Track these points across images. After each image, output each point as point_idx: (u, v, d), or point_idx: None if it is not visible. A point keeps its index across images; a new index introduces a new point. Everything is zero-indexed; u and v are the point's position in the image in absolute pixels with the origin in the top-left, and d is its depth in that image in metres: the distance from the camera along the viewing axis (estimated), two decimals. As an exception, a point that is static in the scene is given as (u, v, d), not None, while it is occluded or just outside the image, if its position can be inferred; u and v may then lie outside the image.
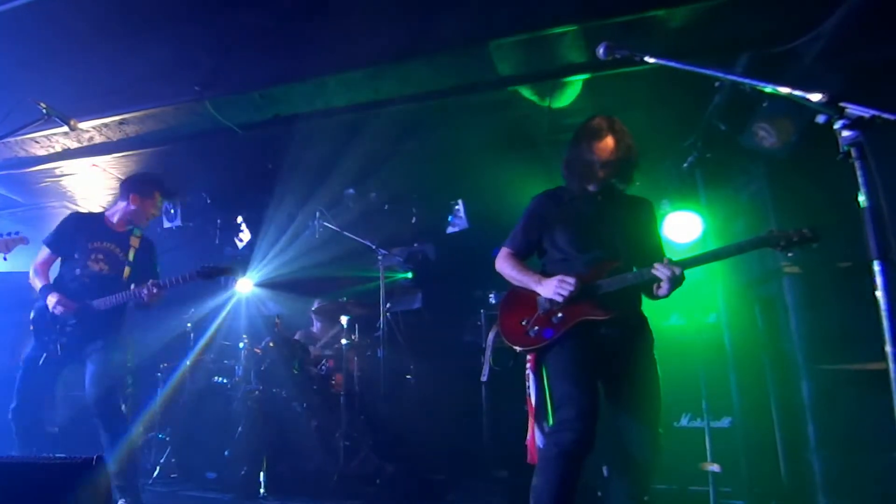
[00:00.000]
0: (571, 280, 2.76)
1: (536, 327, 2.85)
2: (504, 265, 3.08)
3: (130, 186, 4.12)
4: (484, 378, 3.10)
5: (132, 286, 3.86)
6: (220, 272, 3.95)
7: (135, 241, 4.04)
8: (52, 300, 3.75)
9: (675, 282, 2.69)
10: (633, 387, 2.81)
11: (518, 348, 2.90)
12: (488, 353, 3.06)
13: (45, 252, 3.99)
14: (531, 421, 2.92)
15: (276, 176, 5.83)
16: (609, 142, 2.82)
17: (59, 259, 4.01)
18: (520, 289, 3.00)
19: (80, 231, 3.98)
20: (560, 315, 2.81)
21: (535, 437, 2.88)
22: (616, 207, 2.99)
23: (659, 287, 2.77)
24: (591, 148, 2.85)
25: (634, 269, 2.86)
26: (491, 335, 3.05)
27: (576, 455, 2.59)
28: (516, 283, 3.02)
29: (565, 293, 2.76)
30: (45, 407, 3.92)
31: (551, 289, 2.81)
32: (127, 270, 3.94)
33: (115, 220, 4.08)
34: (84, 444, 5.56)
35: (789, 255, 2.60)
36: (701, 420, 4.30)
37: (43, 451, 3.72)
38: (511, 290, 3.07)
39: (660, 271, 2.68)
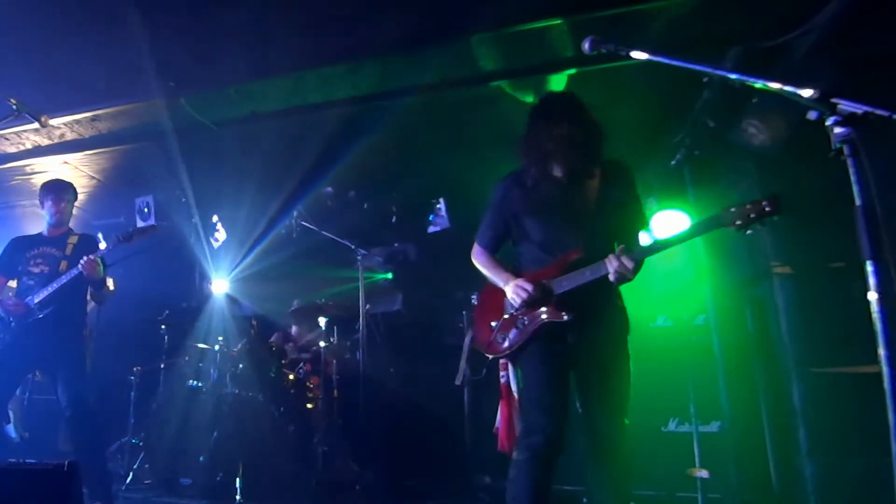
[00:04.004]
0: (528, 287, 2.66)
1: (503, 334, 2.78)
2: (478, 262, 3.01)
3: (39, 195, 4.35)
4: (458, 382, 3.04)
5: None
6: (140, 234, 4.13)
7: (73, 239, 4.17)
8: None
9: (623, 279, 2.52)
10: (600, 376, 2.70)
11: (489, 356, 2.84)
12: (464, 357, 2.99)
13: None
14: (503, 407, 2.88)
15: (253, 174, 5.76)
16: (565, 129, 2.65)
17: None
18: (492, 287, 2.92)
19: (19, 248, 4.20)
20: (525, 320, 2.72)
21: (505, 424, 2.85)
22: (584, 187, 2.78)
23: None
24: (548, 135, 2.70)
25: (595, 263, 2.63)
26: (467, 339, 2.98)
27: (547, 458, 2.55)
28: (491, 280, 2.93)
29: (520, 299, 2.68)
30: (6, 411, 3.94)
31: (511, 292, 2.74)
32: (63, 264, 4.00)
33: (48, 229, 4.26)
34: (57, 450, 5.48)
35: (748, 232, 2.42)
36: (689, 424, 4.26)
37: (13, 457, 3.69)
38: (484, 290, 3.00)
39: (609, 264, 2.52)
